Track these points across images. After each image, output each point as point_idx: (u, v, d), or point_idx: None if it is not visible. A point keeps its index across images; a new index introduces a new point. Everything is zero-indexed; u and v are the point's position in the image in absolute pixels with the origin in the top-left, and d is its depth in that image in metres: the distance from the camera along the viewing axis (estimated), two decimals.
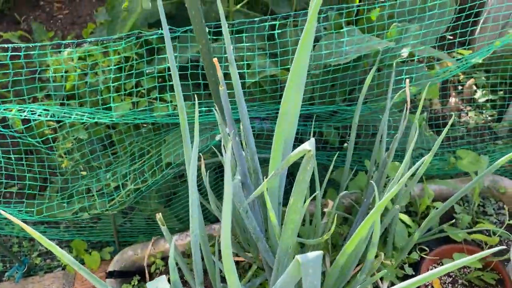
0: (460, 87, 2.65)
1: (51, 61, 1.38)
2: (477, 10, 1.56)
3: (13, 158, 1.49)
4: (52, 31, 2.57)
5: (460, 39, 1.59)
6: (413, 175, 1.38)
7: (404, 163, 1.02)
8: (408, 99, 1.29)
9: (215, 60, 1.02)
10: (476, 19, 2.35)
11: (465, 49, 2.18)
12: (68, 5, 2.84)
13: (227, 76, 1.21)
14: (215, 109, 1.23)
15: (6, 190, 1.66)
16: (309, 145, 0.81)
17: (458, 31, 1.54)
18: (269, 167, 1.05)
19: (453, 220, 1.52)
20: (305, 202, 0.96)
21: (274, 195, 1.12)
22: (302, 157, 0.82)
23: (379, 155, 1.40)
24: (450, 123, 1.11)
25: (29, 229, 0.72)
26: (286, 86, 0.87)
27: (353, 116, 1.39)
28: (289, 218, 0.94)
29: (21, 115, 1.28)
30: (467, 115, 2.55)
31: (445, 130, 1.10)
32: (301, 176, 0.87)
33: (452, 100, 2.57)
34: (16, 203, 1.60)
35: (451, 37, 1.63)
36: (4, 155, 1.48)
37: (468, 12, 1.56)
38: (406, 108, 1.32)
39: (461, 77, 2.68)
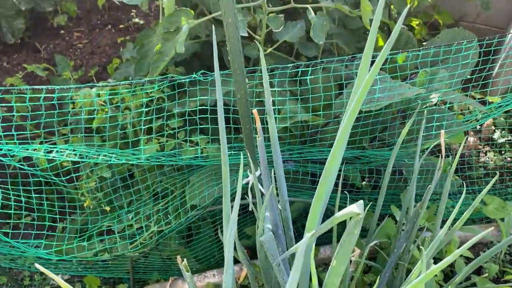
0: (478, 126, 2.64)
1: (80, 98, 1.38)
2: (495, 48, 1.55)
3: (33, 197, 1.47)
4: (72, 60, 2.59)
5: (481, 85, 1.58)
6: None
7: (442, 231, 0.99)
8: (443, 149, 1.26)
9: (254, 111, 1.01)
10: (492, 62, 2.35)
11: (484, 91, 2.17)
12: (87, 34, 2.87)
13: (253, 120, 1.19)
14: (248, 156, 1.22)
15: (24, 226, 1.64)
16: (357, 207, 0.78)
17: (482, 74, 1.53)
18: (308, 219, 1.02)
19: (485, 274, 1.47)
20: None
21: (310, 251, 1.09)
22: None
23: (410, 204, 1.37)
24: (491, 184, 1.08)
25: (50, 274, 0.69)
26: (336, 140, 0.85)
27: (387, 164, 1.37)
28: (330, 280, 0.91)
29: (49, 156, 1.26)
30: (486, 155, 2.52)
31: (485, 189, 1.07)
32: (346, 239, 0.84)
33: (471, 139, 2.55)
34: (35, 240, 1.57)
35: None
36: (24, 194, 1.46)
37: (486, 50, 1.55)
38: (441, 156, 1.30)
39: (479, 115, 2.67)
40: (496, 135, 2.54)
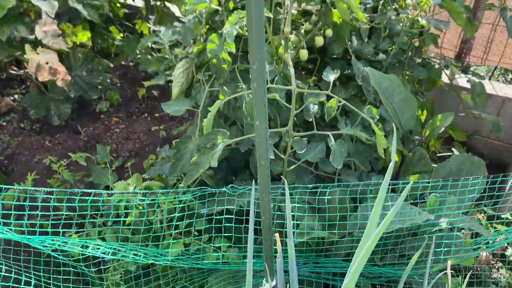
0: (490, 241, 2.67)
1: (119, 196, 1.53)
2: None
3: (61, 284, 1.57)
4: (109, 145, 2.81)
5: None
6: None
7: None
8: (449, 278, 1.34)
9: (276, 236, 1.13)
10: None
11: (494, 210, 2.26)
12: (125, 120, 3.13)
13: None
14: (266, 268, 1.32)
15: None
16: None
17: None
18: None
19: None
20: None
21: None
22: None
23: None
24: None
25: None
26: (354, 264, 0.96)
27: (398, 277, 1.44)
28: None
29: (85, 251, 1.39)
30: (498, 271, 2.54)
31: None
32: None
33: (483, 254, 2.58)
34: None
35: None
36: (55, 282, 1.56)
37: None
38: (448, 282, 1.37)
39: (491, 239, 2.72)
40: (509, 252, 2.57)
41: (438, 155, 2.92)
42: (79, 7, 2.68)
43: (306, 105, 1.54)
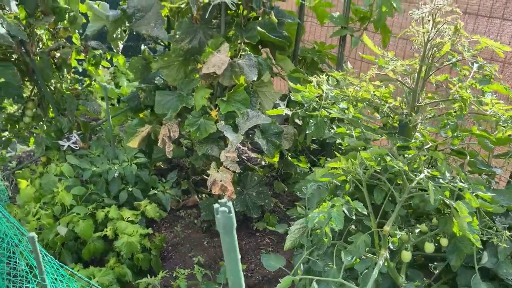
0: None
1: None
2: None
3: None
4: (245, 264, 3.06)
5: None
6: None
7: None
8: None
9: None
10: None
11: None
12: (275, 244, 3.36)
13: None
14: None
15: None
16: None
17: None
18: None
19: None
20: None
21: None
22: None
23: None
24: None
25: None
26: None
27: None
28: None
29: None
30: None
31: None
32: None
33: None
34: None
35: None
36: None
37: None
38: None
39: None
40: None
41: None
42: (262, 142, 3.17)
43: None
